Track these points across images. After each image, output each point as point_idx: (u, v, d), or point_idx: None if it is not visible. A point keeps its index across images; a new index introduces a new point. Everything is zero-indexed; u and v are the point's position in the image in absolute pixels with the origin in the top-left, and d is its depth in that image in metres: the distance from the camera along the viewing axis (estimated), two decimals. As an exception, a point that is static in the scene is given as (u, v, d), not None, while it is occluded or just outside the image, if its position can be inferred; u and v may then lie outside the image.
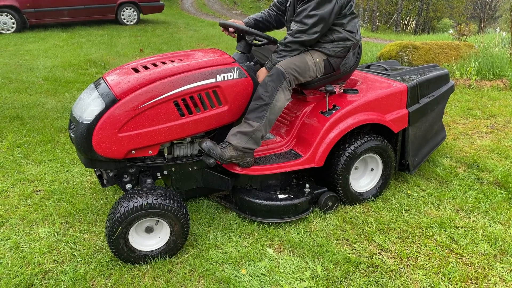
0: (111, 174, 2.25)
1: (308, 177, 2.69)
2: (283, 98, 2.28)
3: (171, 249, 2.12)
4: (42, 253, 2.15)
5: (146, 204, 1.97)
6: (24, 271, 2.02)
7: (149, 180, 2.24)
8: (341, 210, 2.59)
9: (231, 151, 2.23)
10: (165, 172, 2.35)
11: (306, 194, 2.47)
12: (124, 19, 10.99)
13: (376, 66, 3.19)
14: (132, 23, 11.15)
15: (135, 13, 11.14)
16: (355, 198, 2.63)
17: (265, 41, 2.41)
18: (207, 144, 2.19)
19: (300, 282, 1.99)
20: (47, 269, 2.04)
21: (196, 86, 2.15)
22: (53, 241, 2.25)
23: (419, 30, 23.20)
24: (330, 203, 2.52)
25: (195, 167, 2.40)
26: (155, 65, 2.24)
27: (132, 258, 2.05)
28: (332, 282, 1.99)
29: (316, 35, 2.32)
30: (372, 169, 2.73)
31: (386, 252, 2.22)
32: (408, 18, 26.22)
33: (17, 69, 6.12)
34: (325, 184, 2.58)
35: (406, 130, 2.73)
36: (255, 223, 2.42)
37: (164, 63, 2.26)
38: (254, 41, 2.43)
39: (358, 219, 2.49)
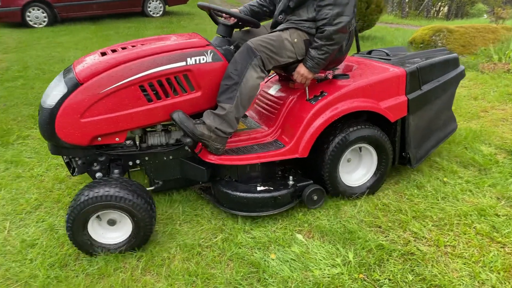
0: (79, 162, 2.17)
1: (295, 169, 2.51)
2: (254, 76, 2.09)
3: (132, 246, 2.03)
4: (75, 234, 2.19)
5: (107, 196, 1.87)
6: (59, 252, 2.07)
7: (116, 171, 2.13)
8: (373, 197, 2.50)
9: (203, 129, 2.09)
10: (137, 161, 2.24)
11: (289, 187, 2.30)
12: (150, 11, 11.09)
13: (378, 52, 2.92)
14: (158, 15, 11.24)
15: (161, 5, 11.22)
16: (346, 193, 2.44)
17: (243, 23, 2.28)
18: (179, 115, 2.04)
19: (331, 268, 1.93)
20: (79, 252, 2.08)
21: (163, 69, 2.02)
22: (86, 223, 2.30)
23: (451, 16, 22.19)
24: (315, 197, 2.33)
25: (171, 157, 2.27)
26: (124, 49, 2.13)
27: (91, 250, 1.98)
28: (365, 269, 1.92)
29: (354, 12, 2.12)
30: (365, 162, 2.52)
31: (422, 240, 2.12)
32: (439, 3, 25.13)
33: (50, 60, 6.31)
34: (312, 177, 2.40)
35: (406, 119, 2.48)
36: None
37: (134, 46, 2.15)
38: (222, 19, 2.30)
39: (391, 206, 2.40)
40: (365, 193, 2.48)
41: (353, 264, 1.94)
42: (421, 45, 5.77)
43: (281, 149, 2.26)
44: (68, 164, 2.28)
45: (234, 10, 2.39)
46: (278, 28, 2.26)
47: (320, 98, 2.27)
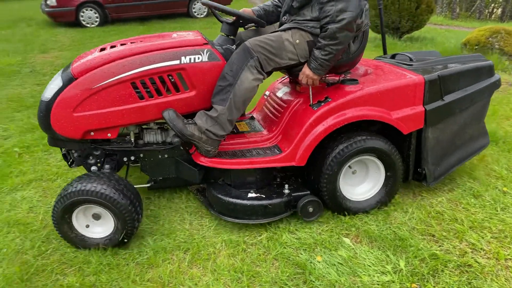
0: (75, 155, 2.21)
1: (295, 177, 2.37)
2: (249, 78, 1.99)
3: (114, 242, 2.02)
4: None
5: (90, 191, 1.88)
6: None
7: (107, 166, 2.14)
8: (425, 204, 2.39)
9: (194, 129, 2.02)
10: (132, 158, 2.24)
11: (283, 196, 2.18)
12: (195, 12, 11.34)
13: (402, 56, 2.63)
14: (202, 16, 11.47)
15: (205, 6, 11.46)
16: (347, 207, 2.26)
17: (252, 23, 2.20)
18: (170, 113, 1.99)
19: (381, 275, 1.86)
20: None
21: (156, 67, 1.99)
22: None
23: (506, 18, 20.83)
24: (311, 209, 2.17)
25: (166, 155, 2.23)
26: (123, 45, 2.12)
27: (76, 241, 2.01)
28: (418, 279, 1.83)
29: (360, 7, 1.94)
30: (371, 175, 2.33)
31: (480, 252, 1.99)
32: (493, 4, 23.73)
33: (101, 58, 6.60)
34: (310, 187, 2.25)
35: (423, 132, 2.24)
36: (329, 212, 2.32)
37: (133, 43, 2.13)
38: (225, 17, 2.22)
39: (446, 215, 2.27)
40: (371, 209, 2.29)
41: (404, 273, 1.86)
42: (476, 47, 5.45)
43: (277, 155, 2.13)
44: (65, 156, 2.30)
45: (244, 10, 2.31)
46: (280, 28, 2.15)
47: (323, 103, 2.11)
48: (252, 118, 2.64)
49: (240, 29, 2.33)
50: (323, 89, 2.24)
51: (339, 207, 2.25)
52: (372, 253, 2.00)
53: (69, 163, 2.28)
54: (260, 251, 2.05)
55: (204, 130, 2.04)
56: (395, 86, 2.15)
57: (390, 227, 2.18)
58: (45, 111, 2.00)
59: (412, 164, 2.33)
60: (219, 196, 2.18)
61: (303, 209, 2.16)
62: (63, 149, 2.28)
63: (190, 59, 2.02)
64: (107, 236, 2.02)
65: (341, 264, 1.93)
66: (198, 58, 2.03)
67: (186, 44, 2.07)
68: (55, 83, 2.02)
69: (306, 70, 2.07)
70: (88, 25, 9.95)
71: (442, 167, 2.39)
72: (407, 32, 7.20)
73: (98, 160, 2.22)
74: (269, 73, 2.13)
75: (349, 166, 2.25)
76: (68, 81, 1.97)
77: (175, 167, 2.28)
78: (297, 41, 2.06)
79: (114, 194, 1.90)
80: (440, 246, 2.04)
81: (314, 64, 2.02)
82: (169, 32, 2.38)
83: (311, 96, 2.17)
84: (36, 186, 2.69)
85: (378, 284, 1.81)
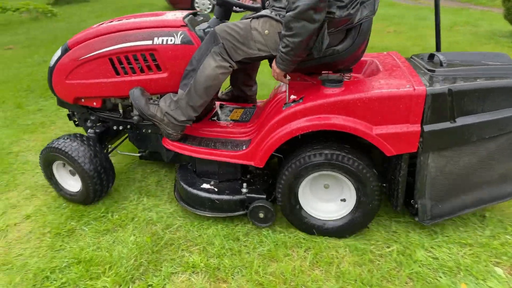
0: (77, 117, 2.45)
1: (267, 177, 2.20)
2: (212, 65, 1.89)
3: (80, 201, 2.29)
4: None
5: (59, 150, 2.16)
6: (229, 224, 2.14)
7: (91, 131, 2.35)
8: None
9: (156, 110, 2.05)
10: (120, 127, 2.37)
11: (237, 194, 2.07)
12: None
13: (438, 57, 2.00)
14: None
15: None
16: (309, 225, 2.00)
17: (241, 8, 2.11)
18: (135, 91, 2.06)
19: (551, 323, 1.52)
20: (247, 229, 2.11)
21: (130, 46, 2.04)
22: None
23: None
24: (261, 215, 2.02)
25: (150, 130, 2.30)
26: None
27: (56, 187, 2.35)
28: None
29: None
30: (345, 195, 1.99)
31: None
32: None
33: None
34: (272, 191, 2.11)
35: (419, 157, 1.78)
36: (474, 233, 2.00)
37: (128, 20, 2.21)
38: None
39: None
40: (345, 231, 2.00)
41: None
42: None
43: (239, 151, 2.02)
44: (69, 116, 2.55)
45: None
46: (253, 15, 1.95)
47: (293, 104, 1.87)
48: (254, 107, 2.55)
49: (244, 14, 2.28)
50: (310, 86, 1.98)
51: (297, 222, 2.04)
52: (534, 292, 1.65)
53: (75, 123, 2.56)
54: (390, 265, 1.84)
55: (164, 112, 2.05)
56: (383, 96, 1.73)
57: (556, 264, 1.79)
58: (49, 76, 2.28)
59: (402, 193, 1.91)
60: (178, 179, 2.23)
61: (252, 212, 2.04)
62: (70, 110, 2.54)
63: (162, 40, 2.03)
64: (76, 192, 2.30)
65: (493, 298, 1.64)
66: (171, 40, 2.03)
67: (162, 25, 2.08)
68: (58, 52, 2.26)
69: (273, 63, 1.87)
70: (202, 11, 10.49)
71: (447, 206, 1.91)
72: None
73: (94, 125, 2.43)
74: (240, 63, 1.96)
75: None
76: (64, 51, 2.20)
77: (157, 143, 2.35)
78: (266, 31, 1.85)
79: (79, 157, 2.15)
80: None
81: (277, 57, 1.79)
82: (164, 11, 2.38)
83: (287, 93, 1.98)
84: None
85: (546, 334, 1.47)
